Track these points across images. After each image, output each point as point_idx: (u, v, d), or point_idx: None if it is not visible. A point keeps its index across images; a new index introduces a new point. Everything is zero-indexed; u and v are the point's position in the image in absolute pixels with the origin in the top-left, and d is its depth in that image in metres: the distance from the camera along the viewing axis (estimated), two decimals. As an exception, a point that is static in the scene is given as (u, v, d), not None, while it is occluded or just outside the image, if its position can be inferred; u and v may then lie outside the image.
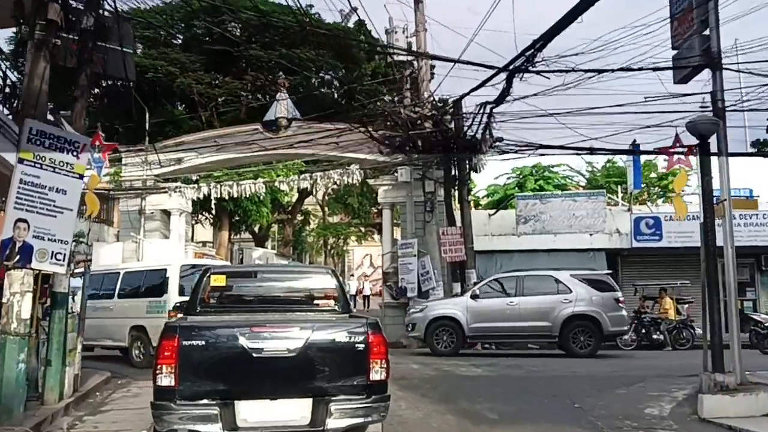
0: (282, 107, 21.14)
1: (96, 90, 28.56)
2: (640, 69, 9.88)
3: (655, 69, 9.73)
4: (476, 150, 16.02)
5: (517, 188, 29.20)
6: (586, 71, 9.65)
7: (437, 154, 17.13)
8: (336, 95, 28.59)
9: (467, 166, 17.95)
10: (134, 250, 21.56)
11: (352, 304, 30.12)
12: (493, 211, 21.86)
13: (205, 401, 5.15)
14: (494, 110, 15.75)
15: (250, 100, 22.96)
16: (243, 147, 20.84)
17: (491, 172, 68.97)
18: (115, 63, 12.09)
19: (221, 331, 5.42)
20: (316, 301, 6.90)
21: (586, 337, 14.64)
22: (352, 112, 19.49)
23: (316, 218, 47.78)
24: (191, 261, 15.62)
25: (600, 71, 9.72)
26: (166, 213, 21.98)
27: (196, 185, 20.11)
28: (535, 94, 12.00)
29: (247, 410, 5.22)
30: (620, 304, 14.98)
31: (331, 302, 6.83)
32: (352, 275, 41.07)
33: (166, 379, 5.13)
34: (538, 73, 9.87)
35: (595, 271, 16.16)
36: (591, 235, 19.84)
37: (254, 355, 5.23)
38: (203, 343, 5.27)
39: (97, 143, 10.33)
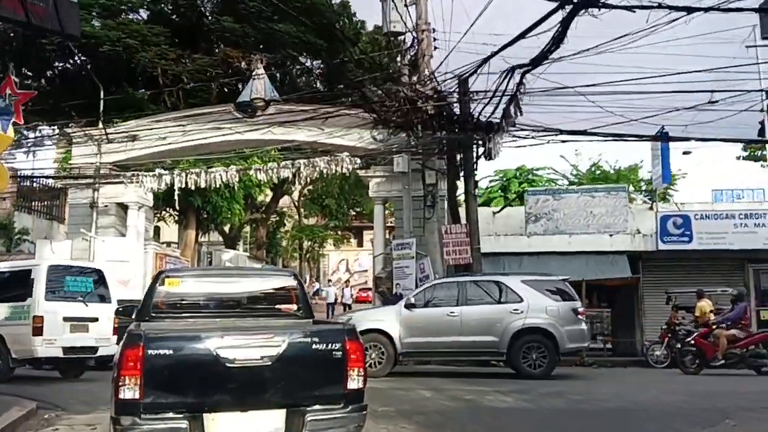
0: (258, 87, 18.50)
1: (49, 72, 26.11)
2: (739, 10, 7.48)
3: (758, 10, 7.30)
4: (494, 130, 13.49)
5: (500, 191, 27.24)
6: (673, 8, 7.23)
7: (448, 135, 14.55)
8: (318, 82, 26.12)
9: (474, 153, 15.43)
10: (85, 249, 18.72)
11: (330, 313, 27.69)
12: (498, 208, 19.41)
13: (171, 414, 4.85)
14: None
15: (222, 79, 20.16)
16: (213, 131, 18.16)
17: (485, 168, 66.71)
18: (51, 14, 9.49)
19: (190, 339, 5.07)
20: (277, 306, 6.69)
21: (539, 355, 12.11)
22: (341, 91, 16.87)
23: (291, 219, 45.13)
24: (65, 262, 13.87)
25: (691, 9, 7.31)
26: (123, 207, 19.19)
27: (156, 173, 17.25)
28: (579, 52, 9.53)
29: (217, 423, 4.94)
30: (580, 316, 12.47)
31: (293, 307, 6.63)
32: (330, 281, 38.31)
33: (129, 392, 4.76)
34: (621, 8, 7.37)
35: (549, 276, 13.48)
36: (611, 236, 17.46)
37: (227, 364, 4.91)
38: (170, 351, 4.90)
39: (8, 91, 7.54)
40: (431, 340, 12.50)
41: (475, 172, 16.01)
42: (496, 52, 10.69)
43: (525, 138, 14.69)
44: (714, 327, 13.42)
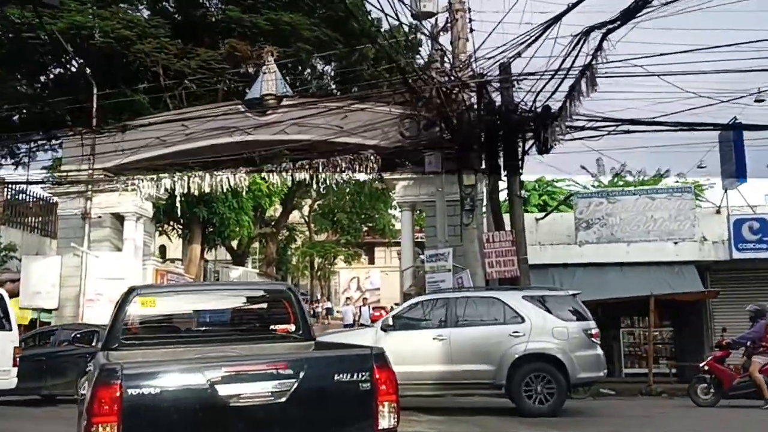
0: (269, 82, 16.52)
1: (42, 77, 24.30)
2: None
3: None
4: (553, 116, 11.34)
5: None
6: None
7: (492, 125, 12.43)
8: (332, 84, 24.20)
9: (520, 147, 13.32)
10: (76, 266, 16.67)
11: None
12: (541, 214, 17.24)
13: None
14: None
15: (228, 75, 18.16)
16: (218, 132, 16.14)
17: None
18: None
19: (181, 372, 4.13)
20: (272, 327, 5.76)
21: (545, 387, 9.82)
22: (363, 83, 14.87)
23: (301, 235, 43.04)
24: None
25: None
26: (119, 218, 17.12)
27: (155, 177, 15.21)
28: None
29: None
30: (594, 339, 10.11)
31: (291, 327, 5.66)
32: (349, 299, 36.08)
33: None
34: None
35: (555, 291, 11.32)
36: (676, 243, 15.23)
37: (229, 403, 4.03)
38: (157, 389, 3.93)
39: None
40: (414, 370, 9.86)
41: (521, 171, 13.83)
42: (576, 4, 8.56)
43: (583, 129, 12.54)
44: (730, 348, 11.31)
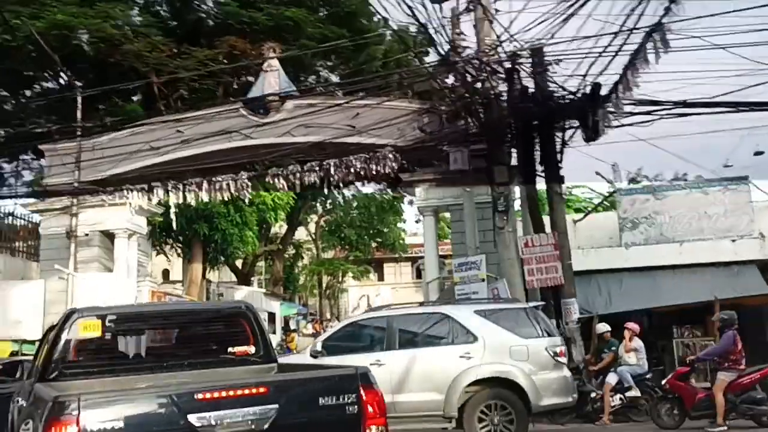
0: (272, 80, 15.01)
1: (27, 91, 22.87)
2: None
3: None
4: (607, 95, 9.68)
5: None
6: None
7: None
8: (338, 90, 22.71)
9: (560, 136, 11.74)
10: (62, 291, 15.04)
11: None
12: (579, 215, 15.59)
13: None
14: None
15: (227, 77, 16.64)
16: (217, 136, 14.58)
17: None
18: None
19: (147, 402, 3.79)
20: (230, 350, 5.49)
21: (503, 418, 8.34)
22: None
23: (308, 252, 41.45)
24: None
25: None
26: (109, 236, 15.49)
27: (146, 186, 13.64)
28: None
29: None
30: (559, 358, 8.59)
31: (251, 349, 5.50)
32: (361, 317, 34.53)
33: None
34: None
35: (513, 304, 9.95)
36: (734, 241, 13.54)
37: None
38: (120, 424, 3.57)
39: None
40: None
41: (560, 165, 12.20)
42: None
43: (631, 114, 10.89)
44: (693, 363, 10.02)
